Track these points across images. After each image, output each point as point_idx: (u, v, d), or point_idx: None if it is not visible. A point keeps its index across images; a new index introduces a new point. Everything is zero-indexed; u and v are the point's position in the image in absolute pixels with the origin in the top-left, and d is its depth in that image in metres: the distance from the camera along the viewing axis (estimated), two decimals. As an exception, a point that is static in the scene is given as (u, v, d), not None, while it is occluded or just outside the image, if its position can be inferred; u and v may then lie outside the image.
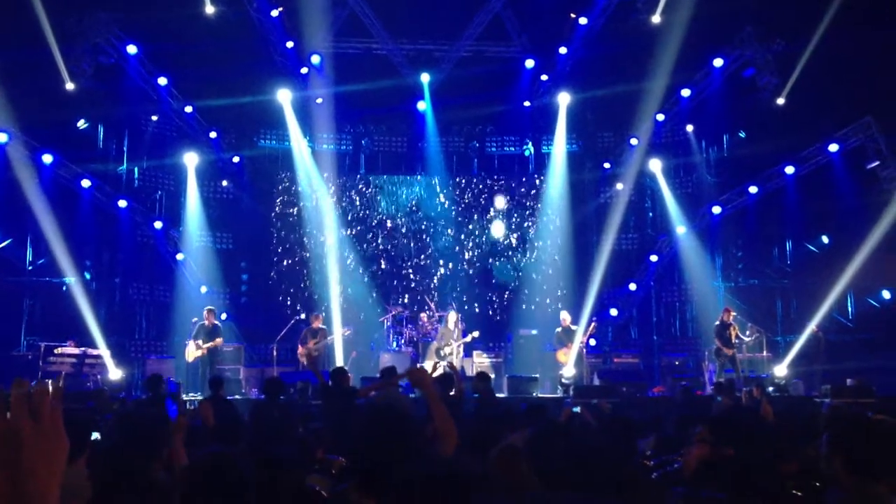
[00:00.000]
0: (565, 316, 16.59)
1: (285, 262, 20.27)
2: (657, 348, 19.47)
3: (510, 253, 20.81)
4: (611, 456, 2.62)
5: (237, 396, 14.18)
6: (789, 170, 17.68)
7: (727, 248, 19.56)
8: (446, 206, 20.92)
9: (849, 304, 17.78)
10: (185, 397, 13.00)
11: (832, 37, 15.77)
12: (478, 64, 19.95)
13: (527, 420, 5.73)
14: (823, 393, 13.47)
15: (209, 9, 17.55)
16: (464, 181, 21.20)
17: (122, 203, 17.93)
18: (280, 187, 20.64)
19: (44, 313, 17.20)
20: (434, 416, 3.50)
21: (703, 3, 16.29)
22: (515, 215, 20.98)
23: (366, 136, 21.27)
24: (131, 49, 17.52)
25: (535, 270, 20.61)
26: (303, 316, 18.07)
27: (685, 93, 18.77)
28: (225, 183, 20.21)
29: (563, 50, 19.31)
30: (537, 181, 21.07)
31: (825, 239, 18.24)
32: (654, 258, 19.61)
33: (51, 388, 1.39)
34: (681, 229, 19.02)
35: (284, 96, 19.13)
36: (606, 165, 20.61)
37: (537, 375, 15.58)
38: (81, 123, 18.05)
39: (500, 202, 20.61)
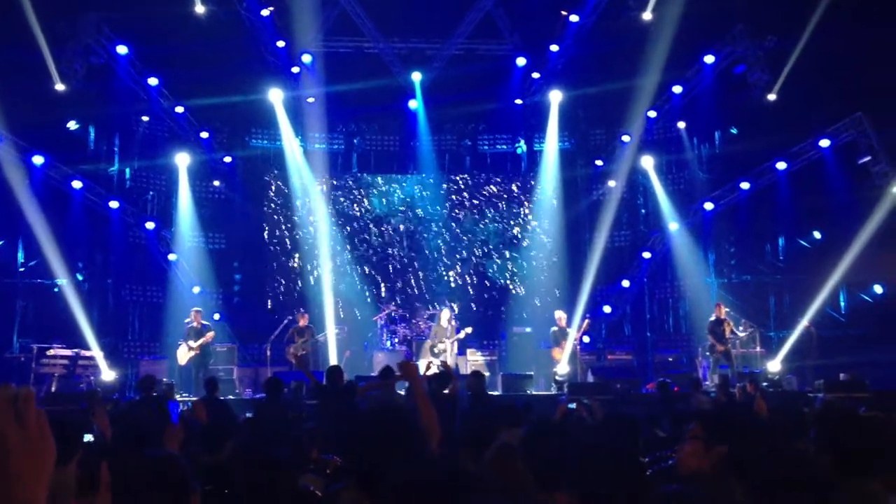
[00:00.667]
0: (560, 315, 16.60)
1: (277, 262, 20.23)
2: (650, 345, 19.50)
3: (503, 250, 20.81)
4: (610, 453, 2.61)
5: (231, 397, 14.15)
6: (781, 166, 17.73)
7: (720, 245, 19.60)
8: (439, 203, 20.91)
9: (841, 299, 17.84)
10: (178, 398, 12.96)
11: (823, 33, 15.81)
12: (469, 62, 19.94)
13: (518, 418, 5.72)
14: (817, 388, 13.53)
15: (199, 9, 17.52)
16: (456, 179, 21.20)
17: (114, 204, 17.87)
18: (272, 187, 20.60)
19: (36, 315, 17.12)
20: (419, 412, 3.51)
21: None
22: (508, 213, 20.97)
23: (358, 135, 21.25)
24: (122, 49, 17.45)
25: (529, 268, 20.63)
26: (292, 317, 18.05)
27: (677, 90, 18.79)
28: (217, 183, 20.16)
29: (554, 48, 19.32)
30: (530, 179, 21.07)
31: (817, 234, 18.29)
32: (646, 255, 19.64)
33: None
34: (673, 226, 19.05)
35: (276, 96, 19.09)
36: (599, 163, 20.62)
37: (531, 373, 15.59)
38: (72, 124, 17.98)
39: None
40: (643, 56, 17.39)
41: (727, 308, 16.14)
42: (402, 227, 20.78)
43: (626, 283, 19.76)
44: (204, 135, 19.24)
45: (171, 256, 18.70)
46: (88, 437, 5.99)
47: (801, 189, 17.68)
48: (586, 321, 16.50)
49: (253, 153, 20.59)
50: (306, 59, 18.91)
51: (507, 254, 20.81)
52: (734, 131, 19.31)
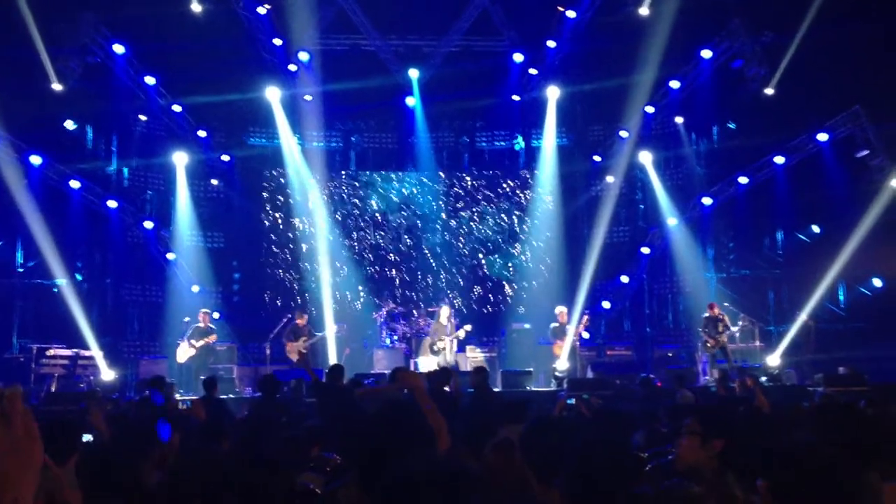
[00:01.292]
0: (561, 310, 16.58)
1: (276, 260, 20.22)
2: (650, 340, 19.50)
3: (502, 247, 20.81)
4: (605, 449, 2.61)
5: (231, 395, 14.15)
6: (779, 160, 17.73)
7: (718, 239, 19.60)
8: (437, 201, 20.90)
9: (840, 293, 17.85)
10: (178, 397, 12.95)
11: (819, 27, 15.81)
12: (466, 59, 19.92)
13: (515, 415, 5.73)
14: (816, 382, 13.53)
15: (196, 7, 17.51)
16: (454, 176, 21.19)
17: (112, 203, 17.86)
18: (270, 185, 20.59)
19: (35, 315, 17.12)
20: (427, 419, 3.50)
21: (690, -6, 16.35)
22: (506, 209, 20.97)
23: (355, 133, 21.23)
24: (118, 49, 17.43)
25: (527, 264, 20.62)
26: (292, 315, 18.05)
27: (674, 85, 18.77)
28: (215, 182, 20.15)
29: (551, 44, 19.30)
30: (528, 175, 21.06)
31: (816, 228, 18.28)
32: (645, 250, 19.63)
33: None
34: (672, 221, 19.05)
35: (273, 94, 19.07)
36: (597, 158, 20.59)
37: (531, 369, 15.57)
38: (70, 124, 17.95)
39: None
40: (640, 51, 17.38)
41: (727, 303, 16.14)
42: (400, 224, 20.77)
43: (625, 279, 19.76)
44: (202, 133, 19.22)
45: (170, 256, 18.69)
46: (87, 437, 5.99)
47: (799, 183, 17.68)
48: (585, 317, 16.50)
49: (251, 152, 20.56)
50: (303, 57, 18.88)
51: (506, 250, 20.80)
52: (732, 126, 19.31)
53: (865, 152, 16.81)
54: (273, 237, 20.37)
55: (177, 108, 18.66)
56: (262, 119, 20.03)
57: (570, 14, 18.63)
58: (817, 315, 16.52)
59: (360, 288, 20.04)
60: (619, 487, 2.49)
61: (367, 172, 21.17)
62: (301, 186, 20.13)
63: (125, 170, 19.16)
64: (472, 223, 20.88)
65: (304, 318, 16.41)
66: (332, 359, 16.50)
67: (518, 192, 21.06)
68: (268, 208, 20.50)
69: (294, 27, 18.24)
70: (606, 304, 19.60)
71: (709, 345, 15.30)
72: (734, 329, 15.93)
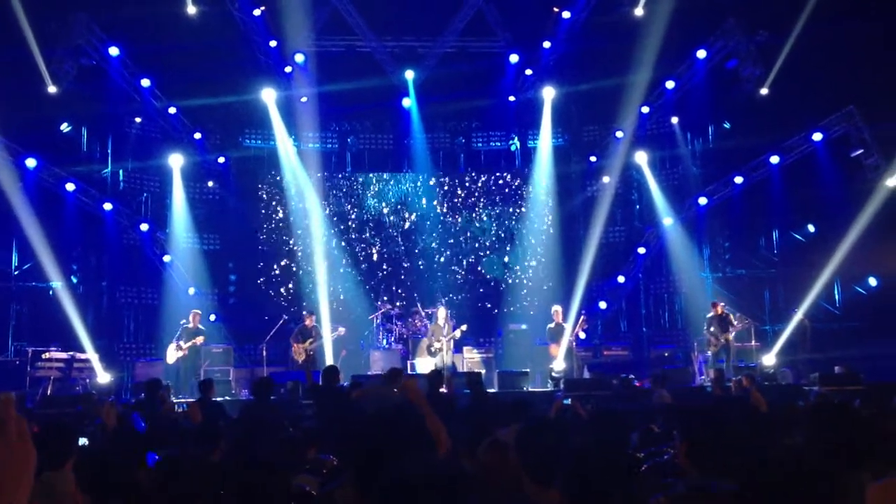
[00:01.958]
0: (556, 309, 16.59)
1: (273, 262, 20.21)
2: (646, 340, 19.54)
3: (498, 248, 20.82)
4: (600, 451, 2.61)
5: (227, 398, 14.14)
6: (774, 159, 17.77)
7: (714, 239, 19.64)
8: (433, 202, 20.90)
9: (836, 292, 17.88)
10: (173, 400, 12.93)
11: (814, 27, 15.85)
12: (462, 60, 19.93)
13: (513, 416, 5.73)
14: (811, 381, 13.55)
15: (191, 9, 17.48)
16: (451, 177, 21.20)
17: (108, 206, 17.84)
18: (266, 187, 20.57)
19: (31, 318, 17.10)
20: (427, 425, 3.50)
21: (685, -6, 16.37)
22: (502, 210, 20.98)
23: (351, 134, 21.22)
24: (113, 50, 17.40)
25: (524, 265, 20.63)
26: (288, 317, 18.03)
27: (669, 85, 18.80)
28: (211, 184, 20.13)
29: (546, 44, 19.33)
30: (524, 176, 21.07)
31: (811, 227, 18.34)
32: (641, 250, 19.66)
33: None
34: (668, 221, 19.07)
35: (269, 96, 19.05)
36: (592, 159, 20.63)
37: (528, 370, 15.58)
38: (64, 126, 17.94)
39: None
40: (635, 51, 17.40)
41: (723, 303, 16.15)
42: (396, 225, 20.77)
43: (621, 279, 19.77)
44: (197, 136, 19.20)
45: (166, 258, 18.66)
46: (83, 441, 5.99)
47: (794, 183, 17.72)
48: (582, 318, 16.50)
49: (246, 153, 20.54)
50: (299, 58, 18.89)
51: (502, 251, 20.80)
52: (727, 126, 19.37)
53: (860, 151, 16.85)
54: (269, 239, 20.35)
55: (172, 110, 18.64)
56: (257, 121, 20.01)
57: (566, 14, 18.66)
58: (813, 314, 16.55)
59: (357, 289, 20.02)
60: (615, 488, 2.49)
61: (363, 174, 21.16)
62: (297, 188, 20.12)
63: (120, 172, 19.11)
64: (468, 224, 20.88)
65: (311, 319, 16.32)
66: (329, 360, 16.50)
67: (514, 192, 21.07)
68: (264, 210, 20.49)
69: (289, 29, 18.22)
70: (603, 305, 19.63)
71: (712, 345, 15.25)
72: (738, 326, 15.89)
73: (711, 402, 9.51)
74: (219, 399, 12.04)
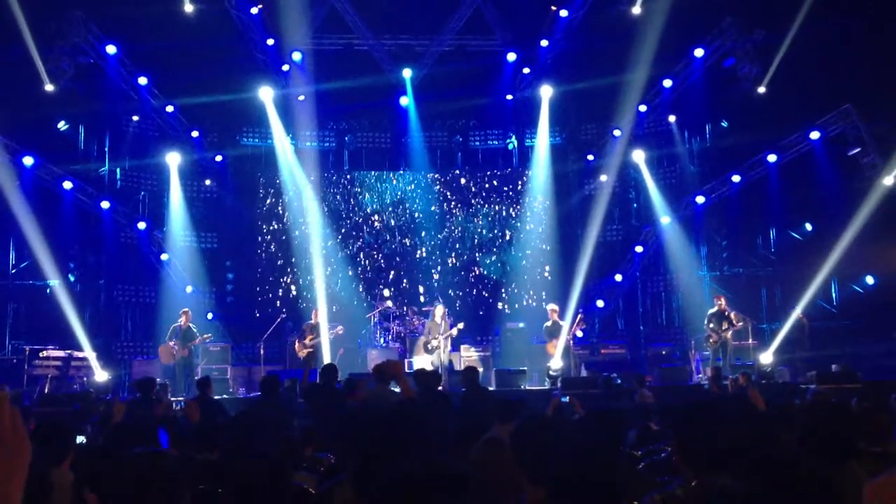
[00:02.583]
0: (553, 308, 16.59)
1: (270, 261, 20.20)
2: (644, 338, 19.54)
3: (496, 246, 20.82)
4: (594, 450, 2.62)
5: (225, 396, 14.13)
6: (771, 158, 17.79)
7: (711, 238, 19.66)
8: (431, 200, 20.91)
9: (833, 291, 17.91)
10: (171, 398, 12.92)
11: (811, 25, 15.86)
12: (459, 58, 19.93)
13: (511, 413, 5.74)
14: (809, 379, 13.56)
15: (188, 7, 17.47)
16: (448, 175, 21.21)
17: (105, 204, 17.83)
18: (264, 185, 20.57)
19: (28, 317, 17.09)
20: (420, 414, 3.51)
21: (682, -7, 16.37)
22: (500, 209, 20.99)
23: (349, 133, 21.22)
24: (110, 49, 17.39)
25: (521, 263, 20.63)
26: (286, 315, 18.03)
27: (667, 83, 18.82)
28: (208, 182, 20.13)
29: (544, 43, 19.32)
30: (521, 174, 21.08)
31: (808, 226, 18.38)
32: (639, 249, 19.67)
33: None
34: (665, 219, 19.09)
35: (266, 94, 19.05)
36: (590, 157, 20.64)
37: (525, 368, 15.58)
38: (62, 125, 17.93)
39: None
40: (633, 50, 17.40)
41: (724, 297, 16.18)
42: (394, 223, 20.78)
43: (618, 278, 19.79)
44: (194, 134, 19.21)
45: (164, 256, 18.66)
46: (81, 439, 5.99)
47: (791, 181, 17.75)
48: (579, 316, 16.51)
49: (244, 152, 20.54)
50: (296, 56, 18.88)
51: (500, 249, 20.81)
52: (725, 124, 19.37)
53: (857, 150, 16.88)
54: (266, 237, 20.35)
55: (169, 108, 18.65)
56: (255, 119, 20.01)
57: (563, 13, 18.65)
58: (810, 313, 16.57)
59: (354, 287, 20.03)
60: (607, 489, 2.50)
61: (361, 172, 21.16)
62: (294, 186, 20.12)
63: (118, 170, 19.10)
64: (465, 222, 20.89)
65: (316, 314, 16.40)
66: (327, 359, 16.50)
67: (511, 191, 21.08)
68: (261, 209, 20.49)
69: (287, 27, 18.20)
70: (600, 303, 19.65)
71: (711, 340, 15.24)
72: (738, 325, 15.88)
73: (705, 401, 9.52)
74: (216, 397, 12.03)
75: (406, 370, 15.37)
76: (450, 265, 20.62)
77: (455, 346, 16.62)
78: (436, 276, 20.46)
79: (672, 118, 19.66)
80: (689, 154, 19.97)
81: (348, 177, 21.08)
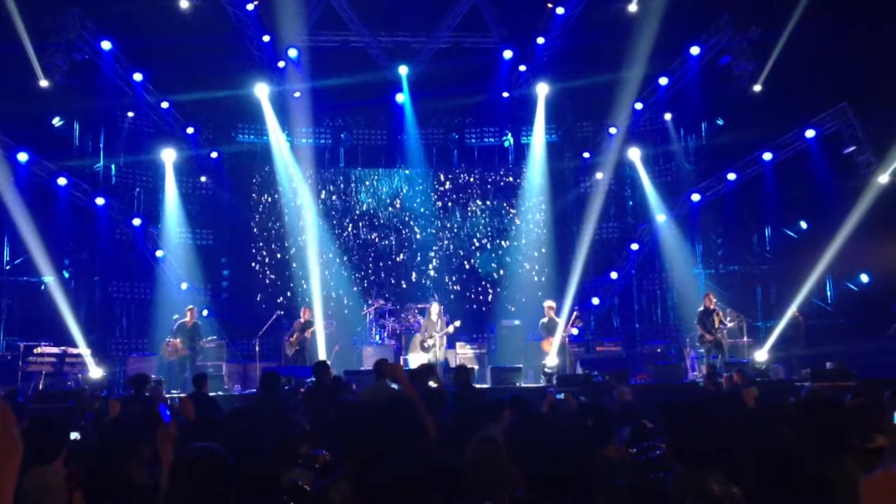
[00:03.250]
0: (549, 304, 16.58)
1: (266, 258, 20.18)
2: (639, 336, 19.57)
3: (491, 244, 20.82)
4: (577, 449, 2.62)
5: (219, 392, 14.12)
6: (767, 156, 17.83)
7: (707, 235, 19.68)
8: (427, 198, 20.90)
9: (828, 289, 17.96)
10: (166, 395, 12.91)
11: (807, 23, 15.88)
12: (456, 55, 19.90)
13: (502, 411, 5.75)
14: (804, 377, 13.59)
15: (183, 3, 17.42)
16: (444, 173, 21.20)
17: (100, 200, 17.79)
18: (259, 182, 20.54)
19: (23, 313, 17.04)
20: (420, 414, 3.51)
21: (679, -9, 16.38)
22: (496, 206, 20.99)
23: (345, 130, 21.19)
24: (105, 45, 17.34)
25: (517, 261, 20.64)
26: (282, 312, 18.00)
27: (663, 81, 18.84)
28: (203, 179, 20.10)
29: (540, 40, 19.31)
30: (517, 172, 21.08)
31: (804, 224, 18.40)
32: (634, 246, 19.69)
33: None
34: (661, 217, 19.11)
35: (262, 91, 19.00)
36: (586, 155, 20.63)
37: (521, 365, 15.61)
38: (56, 121, 17.89)
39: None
40: (629, 48, 17.41)
41: (715, 299, 16.21)
42: (390, 220, 20.76)
43: (614, 275, 19.81)
44: (190, 130, 19.17)
45: (159, 253, 18.64)
46: (75, 435, 5.97)
47: (787, 179, 17.77)
48: (575, 313, 16.51)
49: (239, 148, 20.50)
50: (292, 53, 18.84)
51: (496, 247, 20.81)
52: (720, 122, 19.39)
53: (852, 148, 16.92)
54: (262, 234, 20.33)
55: (165, 104, 18.61)
56: (250, 116, 19.97)
57: (560, 10, 18.64)
58: (805, 310, 16.61)
59: (350, 285, 20.01)
60: (580, 485, 2.50)
61: (357, 169, 21.14)
62: (290, 183, 20.09)
63: (113, 167, 19.06)
64: (461, 220, 20.89)
65: (306, 313, 16.44)
66: (322, 356, 16.51)
67: (507, 188, 21.07)
68: (256, 205, 20.46)
69: (282, 23, 18.17)
70: (595, 301, 19.66)
71: (705, 339, 15.24)
72: (730, 324, 15.90)
73: (696, 398, 9.53)
74: (211, 394, 12.03)
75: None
76: (445, 262, 20.61)
77: (451, 344, 16.62)
78: (431, 274, 20.45)
79: (668, 116, 19.67)
80: (685, 152, 19.99)
81: (344, 174, 21.05)
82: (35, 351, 14.70)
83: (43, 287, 16.68)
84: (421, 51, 20.16)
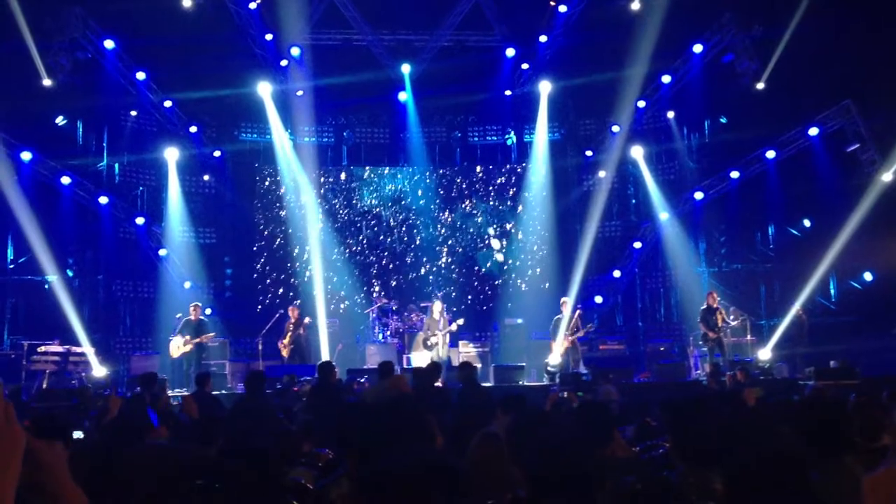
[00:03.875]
0: (566, 300, 16.33)
1: (269, 256, 20.19)
2: (642, 334, 19.55)
3: (494, 242, 20.80)
4: (578, 448, 2.62)
5: (223, 391, 14.14)
6: (770, 154, 17.80)
7: (710, 234, 19.65)
8: (430, 196, 20.90)
9: (831, 287, 17.92)
10: (170, 393, 12.92)
11: (810, 21, 15.85)
12: (458, 53, 19.88)
13: (504, 409, 5.74)
14: (807, 375, 13.57)
15: (186, 2, 17.41)
16: (447, 171, 21.19)
17: (104, 199, 17.82)
18: (262, 181, 20.56)
19: (27, 312, 17.06)
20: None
21: (682, -11, 16.36)
22: (498, 204, 20.98)
23: (347, 128, 21.19)
24: (108, 44, 17.35)
25: (520, 259, 20.63)
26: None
27: (666, 79, 18.81)
28: (206, 177, 20.12)
29: (543, 38, 19.30)
30: (520, 170, 21.06)
31: (807, 222, 18.37)
32: (637, 245, 19.68)
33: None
34: (664, 216, 19.09)
35: (265, 89, 19.01)
36: (588, 153, 20.60)
37: (524, 364, 15.60)
38: (60, 120, 17.89)
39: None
40: (632, 46, 17.37)
41: (718, 297, 16.19)
42: (392, 219, 20.76)
43: (617, 274, 19.80)
44: (193, 129, 19.18)
45: (162, 252, 18.66)
46: (78, 434, 5.98)
47: (790, 177, 17.75)
48: (578, 312, 16.41)
49: (242, 147, 20.52)
50: (295, 52, 18.83)
51: (498, 245, 20.80)
52: (723, 120, 19.35)
53: (856, 146, 16.88)
54: (265, 233, 20.34)
55: (168, 103, 18.63)
56: (253, 114, 19.98)
57: (562, 8, 18.61)
58: (809, 309, 16.58)
59: (353, 283, 20.02)
60: (581, 484, 2.50)
61: (359, 168, 21.15)
62: (293, 182, 20.10)
63: (116, 165, 19.07)
64: (464, 218, 20.88)
65: (293, 311, 16.40)
66: (325, 354, 16.53)
67: (510, 186, 21.07)
68: (260, 204, 20.47)
69: (285, 22, 18.16)
70: (599, 299, 19.64)
71: (709, 337, 15.19)
72: (733, 323, 15.88)
73: (698, 397, 9.53)
74: (214, 392, 12.02)
75: (405, 366, 15.46)
76: (448, 261, 20.61)
77: (453, 342, 16.62)
78: (434, 272, 20.45)
79: (671, 114, 19.63)
80: (688, 150, 19.95)
81: (347, 172, 21.06)
82: (39, 349, 14.73)
83: (47, 286, 16.71)
84: (423, 49, 20.15)
